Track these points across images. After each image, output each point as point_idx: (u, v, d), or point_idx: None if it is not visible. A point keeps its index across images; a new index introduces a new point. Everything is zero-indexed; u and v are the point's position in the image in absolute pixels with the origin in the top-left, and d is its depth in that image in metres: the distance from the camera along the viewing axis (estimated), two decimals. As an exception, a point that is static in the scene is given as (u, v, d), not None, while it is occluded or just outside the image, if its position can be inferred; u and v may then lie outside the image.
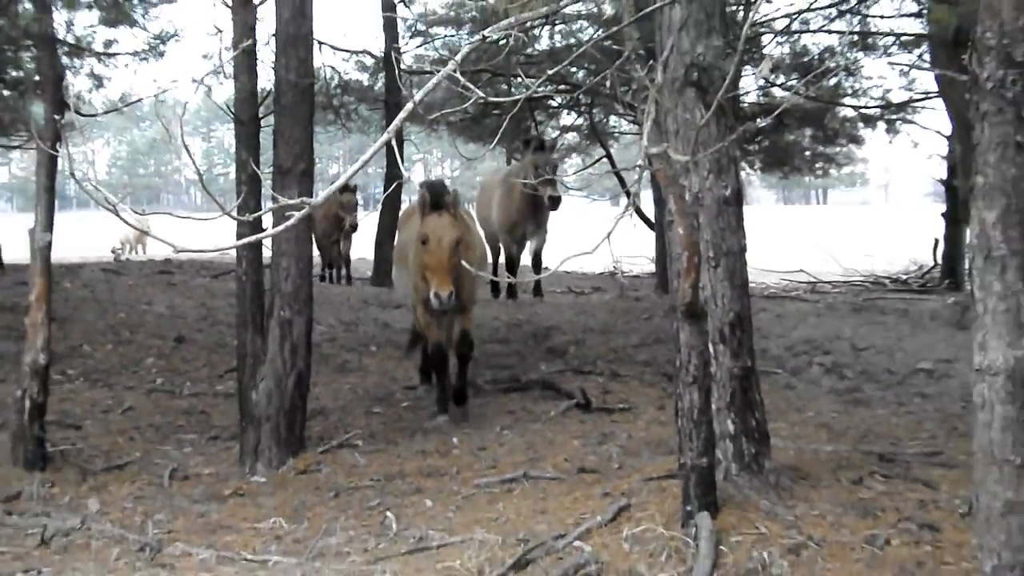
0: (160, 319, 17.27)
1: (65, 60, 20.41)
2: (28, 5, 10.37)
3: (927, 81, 22.82)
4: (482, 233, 21.05)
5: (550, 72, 8.17)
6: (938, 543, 7.05)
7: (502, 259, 21.05)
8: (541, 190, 17.65)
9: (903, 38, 22.61)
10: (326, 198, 4.38)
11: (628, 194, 12.75)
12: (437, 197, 11.16)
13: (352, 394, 13.14)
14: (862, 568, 6.70)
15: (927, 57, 21.13)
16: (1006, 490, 4.47)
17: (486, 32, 4.69)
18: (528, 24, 8.56)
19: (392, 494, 9.65)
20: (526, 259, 20.69)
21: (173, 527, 8.85)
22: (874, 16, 22.72)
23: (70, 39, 21.36)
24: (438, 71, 4.28)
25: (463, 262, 9.68)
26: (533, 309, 19.07)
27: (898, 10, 22.50)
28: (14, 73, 23.16)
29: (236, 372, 11.42)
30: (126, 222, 4.73)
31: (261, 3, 11.10)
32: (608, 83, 5.97)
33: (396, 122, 4.13)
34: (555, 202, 18.62)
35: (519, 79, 17.92)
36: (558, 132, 26.71)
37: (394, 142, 4.33)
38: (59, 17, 10.59)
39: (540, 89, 20.27)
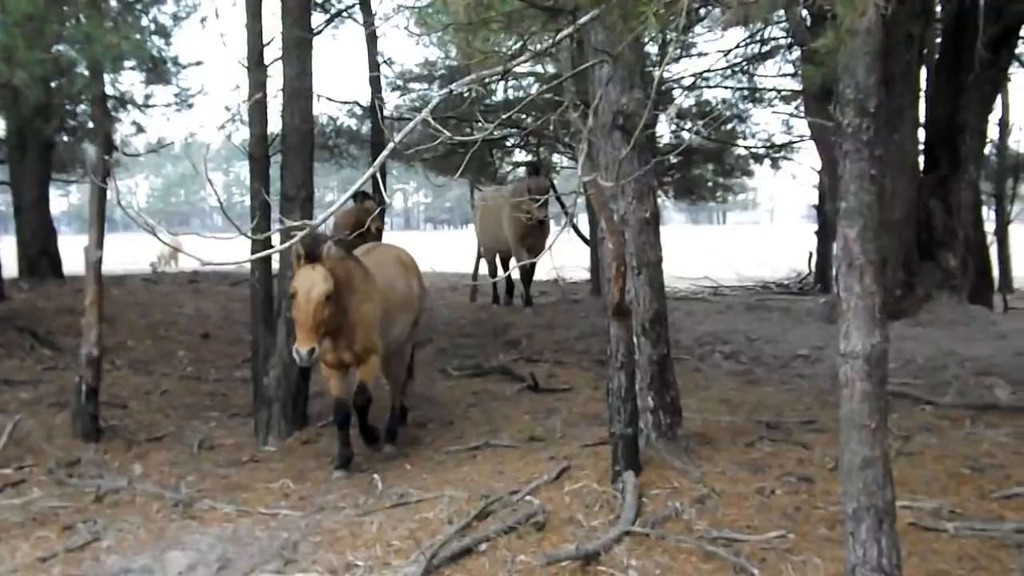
0: (189, 319, 17.18)
1: (112, 111, 20.29)
2: (84, 71, 10.36)
3: (802, 127, 23.16)
4: (483, 248, 20.82)
5: (503, 117, 8.23)
6: (812, 492, 7.12)
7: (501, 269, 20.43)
8: (534, 213, 16.97)
9: (783, 93, 23.05)
10: (325, 219, 4.40)
11: (567, 215, 12.80)
12: (310, 248, 8.56)
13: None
14: (754, 512, 6.75)
15: (802, 108, 21.34)
16: (864, 448, 4.53)
17: (453, 86, 4.72)
18: (486, 80, 8.60)
19: (378, 459, 9.67)
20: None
21: (201, 487, 8.86)
22: (760, 75, 23.07)
23: (116, 94, 21.25)
24: (414, 117, 4.31)
25: (362, 308, 9.09)
26: (493, 309, 19.08)
27: (779, 71, 22.78)
28: (71, 122, 23.06)
29: (251, 362, 11.41)
30: (162, 241, 4.75)
31: (271, 64, 11.10)
32: (551, 126, 6.01)
33: (380, 158, 4.15)
34: (541, 224, 17.86)
35: (480, 123, 17.90)
36: (511, 167, 26.71)
37: (378, 175, 4.35)
38: (107, 77, 10.56)
39: (496, 132, 20.24)
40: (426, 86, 23.86)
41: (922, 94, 15.91)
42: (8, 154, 22.31)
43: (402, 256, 10.92)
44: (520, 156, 26.66)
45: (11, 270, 20.34)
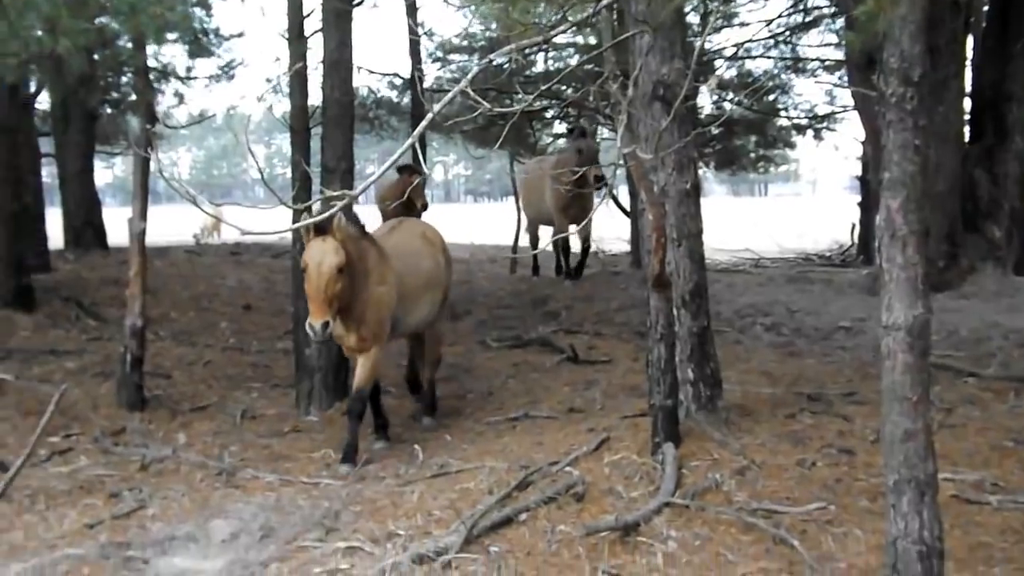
0: (231, 291, 17.29)
1: (155, 83, 20.40)
2: (127, 43, 10.42)
3: (845, 97, 22.89)
4: (523, 221, 20.70)
5: (543, 88, 8.18)
6: (853, 464, 7.08)
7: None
8: (587, 172, 16.13)
9: (826, 63, 22.76)
10: (364, 189, 4.40)
11: (607, 186, 12.76)
12: (320, 221, 7.48)
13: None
14: (794, 485, 6.73)
15: (845, 78, 21.15)
16: (906, 420, 4.50)
17: (492, 56, 4.72)
18: (526, 51, 8.55)
19: (418, 430, 9.71)
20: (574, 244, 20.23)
21: (244, 456, 8.92)
22: (803, 45, 22.85)
23: (158, 66, 21.38)
24: (453, 88, 4.30)
25: (379, 290, 8.67)
26: (533, 281, 19.07)
27: (822, 41, 22.59)
28: (115, 95, 23.22)
29: (292, 333, 11.44)
30: (204, 212, 4.79)
31: (311, 35, 11.11)
32: (591, 97, 5.98)
33: (419, 128, 4.15)
34: (600, 180, 16.30)
35: (519, 95, 17.84)
36: (550, 138, 26.63)
37: (417, 146, 4.35)
38: (150, 49, 10.64)
39: (536, 103, 20.17)
40: (466, 57, 23.78)
41: (968, 63, 15.71)
42: (52, 126, 22.49)
43: (427, 232, 10.39)
44: (560, 128, 26.60)
45: (56, 241, 20.53)
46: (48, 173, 26.90)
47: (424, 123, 4.15)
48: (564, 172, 16.00)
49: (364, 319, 8.65)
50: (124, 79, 22.24)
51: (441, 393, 10.80)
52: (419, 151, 6.19)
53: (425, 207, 20.51)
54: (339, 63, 10.73)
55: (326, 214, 6.72)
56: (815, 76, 23.63)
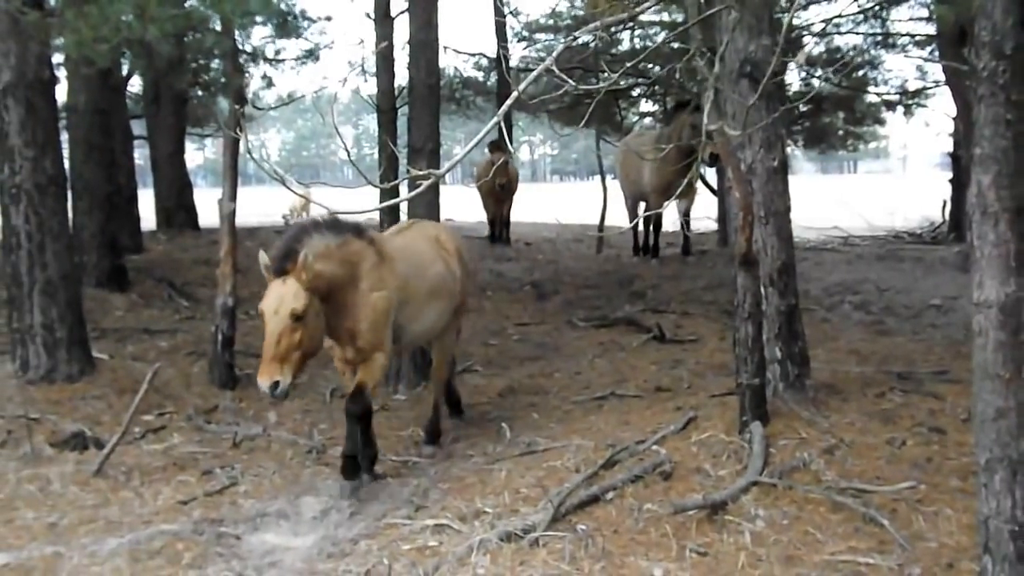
0: (321, 270, 17.46)
1: (244, 66, 20.65)
2: (216, 27, 10.57)
3: (936, 72, 22.45)
4: (624, 195, 20.45)
5: (628, 66, 8.14)
6: (944, 443, 7.03)
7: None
8: (701, 149, 15.62)
9: (917, 37, 22.35)
10: (449, 169, 4.44)
11: (696, 164, 12.67)
12: (280, 261, 6.97)
13: (472, 330, 13.22)
14: (883, 464, 6.68)
15: (936, 53, 20.77)
16: (997, 399, 4.44)
17: (577, 33, 4.71)
18: (611, 28, 8.53)
19: (506, 408, 9.77)
20: (671, 219, 19.89)
21: (333, 434, 9.03)
22: (893, 20, 22.45)
23: (247, 49, 21.64)
24: (539, 67, 4.31)
25: (371, 301, 7.49)
26: (619, 261, 19.04)
27: (913, 15, 22.18)
28: (205, 78, 23.56)
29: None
30: (294, 192, 4.84)
31: (397, 16, 11.19)
32: (677, 75, 5.95)
33: (504, 107, 4.16)
34: (715, 159, 14.56)
35: (605, 73, 17.76)
36: (637, 117, 26.51)
37: (503, 125, 4.37)
38: (238, 33, 10.77)
39: (622, 81, 20.06)
40: (551, 36, 23.73)
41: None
42: (145, 108, 22.87)
43: (441, 236, 9.09)
44: (646, 106, 26.45)
45: (149, 222, 20.91)
46: (140, 155, 27.37)
47: (509, 101, 4.16)
48: (671, 148, 15.41)
49: (357, 330, 7.53)
50: (214, 63, 22.55)
51: (529, 372, 10.84)
52: (504, 130, 6.20)
53: (503, 187, 20.46)
54: (425, 44, 10.80)
55: (416, 192, 6.69)
56: (905, 51, 23.18)
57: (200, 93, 24.32)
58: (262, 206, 28.30)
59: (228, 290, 10.50)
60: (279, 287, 6.88)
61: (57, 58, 12.24)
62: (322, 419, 9.56)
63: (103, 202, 14.11)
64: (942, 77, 20.37)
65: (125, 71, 18.98)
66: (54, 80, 10.32)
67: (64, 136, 12.87)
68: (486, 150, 20.56)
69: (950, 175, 22.96)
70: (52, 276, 9.91)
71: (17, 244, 9.81)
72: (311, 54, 22.51)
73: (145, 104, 22.78)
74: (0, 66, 9.59)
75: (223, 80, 19.58)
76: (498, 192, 20.65)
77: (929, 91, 23.84)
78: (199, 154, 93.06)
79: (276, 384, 6.68)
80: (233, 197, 10.56)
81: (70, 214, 10.92)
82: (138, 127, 23.01)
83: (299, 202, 27.39)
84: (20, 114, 9.65)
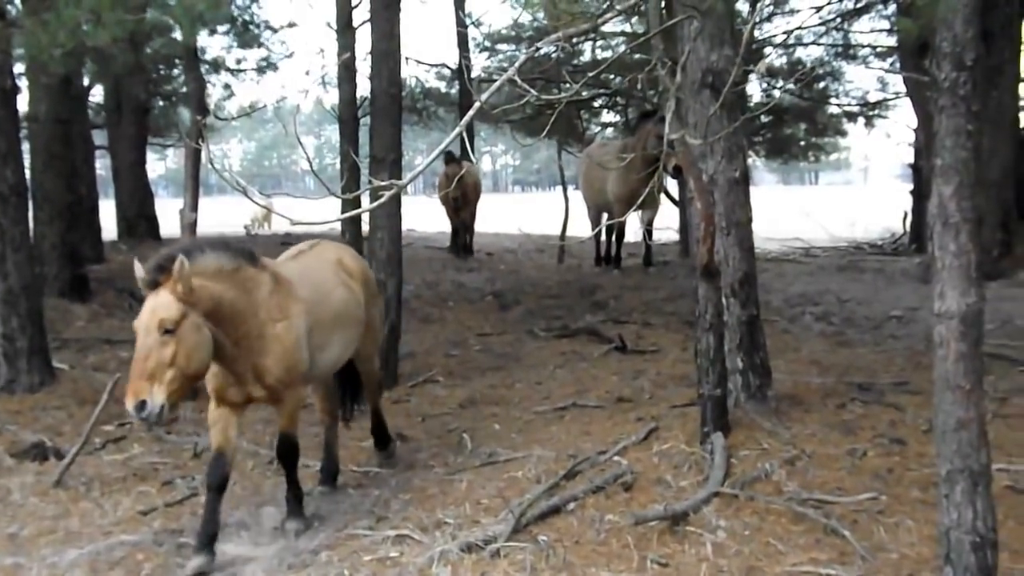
0: (282, 281, 17.36)
1: (205, 76, 20.58)
2: (177, 35, 10.54)
3: (898, 83, 22.67)
4: (587, 205, 20.31)
5: (590, 76, 8.15)
6: (904, 454, 7.06)
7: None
8: (665, 160, 15.40)
9: (878, 49, 22.57)
10: (411, 180, 4.41)
11: (658, 176, 12.67)
12: (153, 273, 6.09)
13: (434, 340, 13.17)
14: (844, 475, 6.70)
15: (897, 64, 20.97)
16: (958, 410, 4.45)
17: (539, 44, 4.70)
18: (574, 39, 8.52)
19: (467, 419, 9.71)
20: (633, 229, 19.89)
21: (294, 445, 8.95)
22: (854, 32, 22.65)
23: (208, 58, 21.58)
24: (501, 77, 4.29)
25: (274, 330, 6.69)
26: (581, 271, 19.04)
27: (874, 27, 22.37)
28: (166, 88, 23.48)
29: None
30: (255, 202, 4.80)
31: (359, 27, 11.17)
32: (639, 85, 5.94)
33: (467, 118, 4.14)
34: (678, 171, 13.65)
35: (567, 84, 17.77)
36: (599, 127, 26.56)
37: (465, 135, 4.34)
38: (200, 42, 10.73)
39: (584, 92, 20.06)
40: (514, 47, 23.78)
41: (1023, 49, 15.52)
42: (106, 118, 22.77)
43: (345, 259, 8.23)
44: (608, 117, 26.51)
45: (110, 232, 20.77)
46: (102, 165, 27.24)
47: (471, 112, 4.14)
48: (634, 160, 15.50)
49: (263, 367, 6.71)
50: (175, 71, 22.47)
51: (491, 382, 10.82)
52: (466, 141, 6.14)
53: (456, 199, 20.59)
54: (387, 54, 10.78)
55: (377, 203, 6.61)
56: (866, 63, 23.40)
57: (161, 103, 24.26)
58: (224, 216, 28.20)
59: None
60: (152, 300, 6.05)
61: (18, 68, 12.15)
62: (283, 430, 9.48)
63: (64, 212, 14.02)
64: (903, 88, 20.58)
65: (86, 81, 18.86)
66: (15, 89, 10.23)
67: (25, 146, 12.77)
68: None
69: (911, 186, 23.13)
70: (13, 286, 9.82)
71: (-23, 254, 9.72)
72: (271, 64, 22.49)
73: (106, 114, 22.69)
74: (-39, 76, 9.50)
75: (184, 90, 19.53)
76: (452, 203, 20.81)
77: (890, 102, 24.09)
78: (161, 164, 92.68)
79: (143, 404, 5.87)
80: (195, 207, 10.50)
81: (31, 224, 10.82)
82: (99, 137, 22.89)
83: (261, 212, 27.31)
84: (-20, 123, 9.56)
